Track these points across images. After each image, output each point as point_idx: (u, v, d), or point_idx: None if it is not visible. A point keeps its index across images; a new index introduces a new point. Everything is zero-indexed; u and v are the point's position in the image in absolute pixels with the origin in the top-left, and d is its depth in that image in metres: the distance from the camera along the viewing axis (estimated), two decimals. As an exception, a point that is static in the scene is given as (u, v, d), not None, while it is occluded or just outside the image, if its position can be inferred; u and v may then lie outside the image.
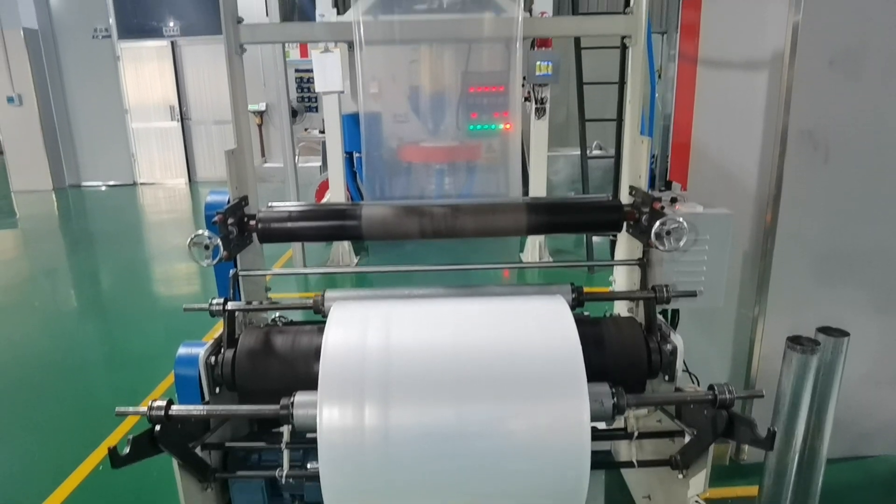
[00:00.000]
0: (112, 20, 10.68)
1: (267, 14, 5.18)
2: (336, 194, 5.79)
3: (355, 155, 6.46)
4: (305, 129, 10.59)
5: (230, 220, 1.99)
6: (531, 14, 5.06)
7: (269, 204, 2.17)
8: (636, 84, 2.24)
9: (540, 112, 5.60)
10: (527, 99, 5.63)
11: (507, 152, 2.88)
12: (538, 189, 5.75)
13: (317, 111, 10.41)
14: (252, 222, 2.11)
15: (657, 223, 1.90)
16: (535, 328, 1.63)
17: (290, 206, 2.13)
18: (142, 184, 11.27)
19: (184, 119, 11.05)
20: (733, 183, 2.62)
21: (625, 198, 2.25)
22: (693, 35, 3.27)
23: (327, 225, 2.10)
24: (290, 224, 2.09)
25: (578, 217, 2.13)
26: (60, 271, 6.53)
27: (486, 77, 3.12)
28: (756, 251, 2.57)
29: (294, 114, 11.43)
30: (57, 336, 4.72)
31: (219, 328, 1.96)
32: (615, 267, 2.42)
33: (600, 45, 5.94)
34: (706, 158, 2.82)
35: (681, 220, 1.90)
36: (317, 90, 5.43)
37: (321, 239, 5.05)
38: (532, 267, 5.98)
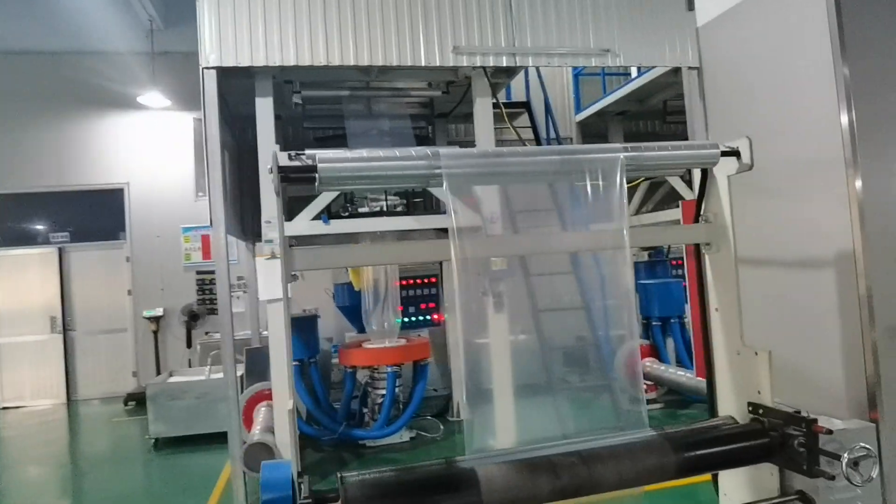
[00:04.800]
0: (-8, 229, 9.70)
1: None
2: (280, 407, 5.08)
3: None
4: (206, 333, 9.80)
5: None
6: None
7: (339, 474, 1.62)
8: (728, 291, 2.07)
9: (497, 306, 5.43)
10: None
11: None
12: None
13: (217, 314, 9.71)
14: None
15: (846, 454, 1.60)
16: None
17: (375, 473, 1.60)
18: (4, 408, 9.50)
19: (66, 330, 9.77)
20: (818, 389, 2.43)
21: (739, 418, 1.96)
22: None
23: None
24: None
25: (725, 449, 1.79)
26: None
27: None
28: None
29: (195, 317, 10.56)
30: None
31: None
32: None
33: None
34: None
35: (867, 445, 1.62)
36: (261, 298, 4.97)
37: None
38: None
